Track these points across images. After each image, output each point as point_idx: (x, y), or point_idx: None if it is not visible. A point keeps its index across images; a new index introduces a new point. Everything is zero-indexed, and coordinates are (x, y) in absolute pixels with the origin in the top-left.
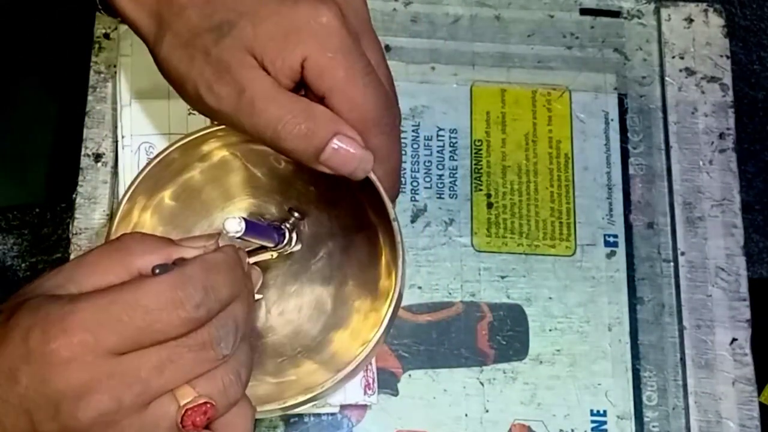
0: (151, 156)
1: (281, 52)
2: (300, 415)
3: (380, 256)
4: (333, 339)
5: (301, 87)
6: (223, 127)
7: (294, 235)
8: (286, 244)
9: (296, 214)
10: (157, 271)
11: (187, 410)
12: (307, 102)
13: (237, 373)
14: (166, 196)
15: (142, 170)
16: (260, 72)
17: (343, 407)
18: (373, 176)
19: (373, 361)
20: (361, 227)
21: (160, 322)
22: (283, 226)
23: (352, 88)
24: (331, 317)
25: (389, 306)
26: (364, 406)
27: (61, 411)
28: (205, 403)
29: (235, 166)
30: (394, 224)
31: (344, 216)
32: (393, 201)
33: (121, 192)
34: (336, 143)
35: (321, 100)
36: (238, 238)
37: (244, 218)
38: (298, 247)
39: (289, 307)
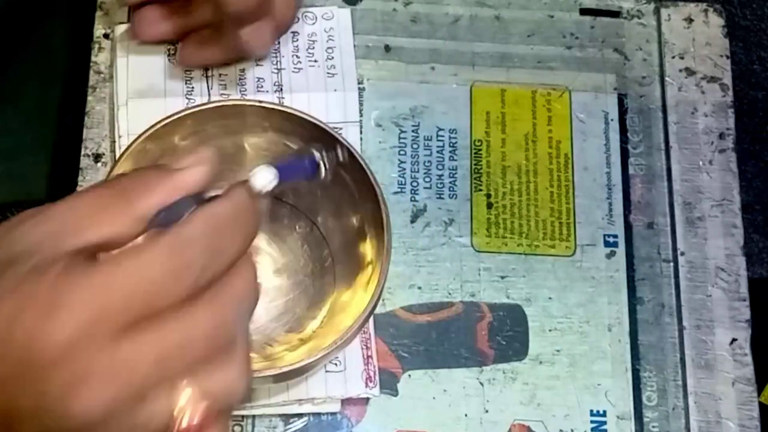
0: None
1: None
2: (299, 415)
3: (363, 222)
4: (317, 315)
5: None
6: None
7: (326, 162)
8: (317, 175)
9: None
10: (162, 215)
11: (184, 412)
12: None
13: (244, 373)
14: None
15: (131, 144)
16: None
17: (344, 403)
18: (352, 147)
19: (374, 355)
20: (340, 198)
21: (163, 295)
22: (314, 151)
23: None
24: (315, 295)
25: (377, 281)
26: (365, 405)
27: (48, 410)
28: (204, 411)
29: (228, 140)
30: (376, 187)
31: (324, 187)
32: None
33: None
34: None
35: None
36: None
37: (274, 165)
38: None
39: (271, 286)
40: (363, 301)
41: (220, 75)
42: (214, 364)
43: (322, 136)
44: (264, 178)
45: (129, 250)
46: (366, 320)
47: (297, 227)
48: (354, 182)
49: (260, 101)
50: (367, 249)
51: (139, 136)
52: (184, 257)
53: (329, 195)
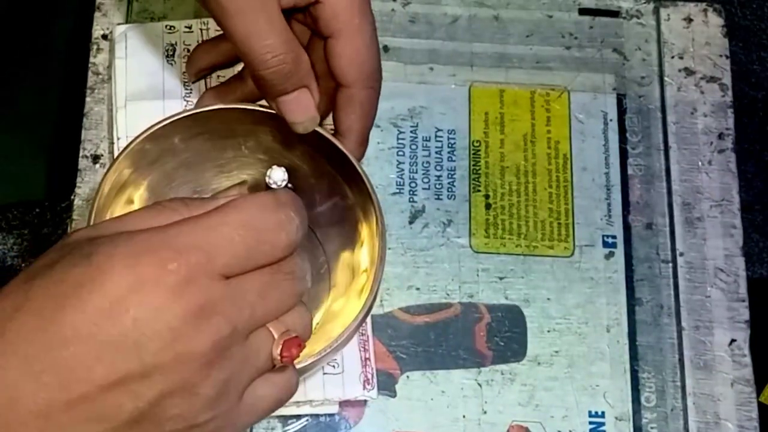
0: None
1: None
2: (298, 416)
3: (359, 230)
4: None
5: (294, 12)
6: (217, 108)
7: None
8: None
9: (289, 186)
10: (268, 181)
11: (285, 341)
12: (298, 45)
13: (309, 314)
14: (156, 172)
15: (130, 143)
16: None
17: (342, 405)
18: (349, 155)
19: (372, 357)
20: (337, 205)
21: (268, 243)
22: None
23: (360, 36)
24: (309, 302)
25: (370, 290)
26: (363, 407)
27: (180, 336)
28: (297, 336)
29: (227, 144)
30: (373, 195)
31: (322, 194)
32: (359, 160)
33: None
34: (301, 94)
35: (325, 38)
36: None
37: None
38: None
39: None
40: (356, 309)
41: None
42: (292, 310)
43: (320, 140)
44: (278, 175)
45: (230, 203)
46: (356, 330)
47: None
48: (351, 189)
49: (259, 105)
50: (363, 257)
51: (138, 136)
52: (285, 213)
53: (327, 202)
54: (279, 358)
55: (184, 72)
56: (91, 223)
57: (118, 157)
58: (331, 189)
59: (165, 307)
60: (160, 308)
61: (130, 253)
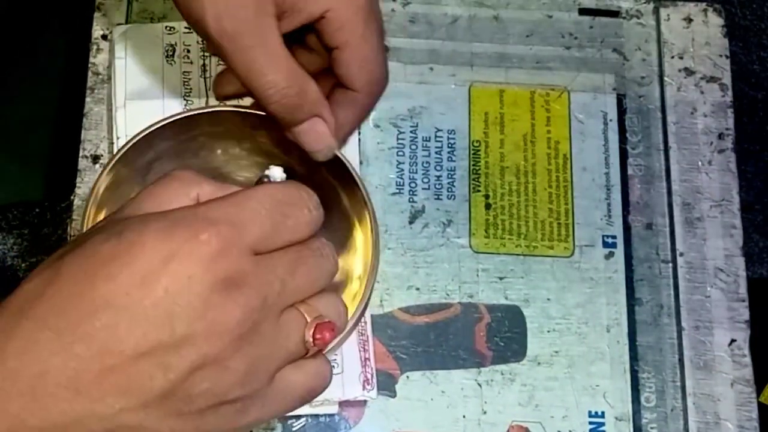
0: None
1: None
2: (297, 416)
3: (353, 234)
4: None
5: (304, 32)
6: (214, 109)
7: None
8: None
9: None
10: (266, 180)
11: (318, 324)
12: (303, 75)
13: (344, 304)
14: (152, 174)
15: (126, 144)
16: (274, 23)
17: (342, 405)
18: (348, 162)
19: (372, 357)
20: (332, 209)
21: (292, 217)
22: None
23: (367, 46)
24: None
25: (365, 284)
26: (363, 407)
27: (211, 307)
28: (330, 321)
29: (224, 146)
30: (367, 200)
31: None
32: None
33: None
34: (314, 123)
35: (331, 50)
36: None
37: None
38: None
39: None
40: (351, 309)
41: (219, 64)
42: (321, 294)
43: None
44: (277, 173)
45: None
46: (352, 329)
47: None
48: (347, 194)
49: (256, 108)
50: (356, 264)
51: (135, 137)
52: (305, 191)
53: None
54: (311, 341)
55: (184, 72)
56: (85, 223)
57: (114, 156)
58: (327, 194)
59: (197, 277)
60: (193, 278)
61: (162, 227)
